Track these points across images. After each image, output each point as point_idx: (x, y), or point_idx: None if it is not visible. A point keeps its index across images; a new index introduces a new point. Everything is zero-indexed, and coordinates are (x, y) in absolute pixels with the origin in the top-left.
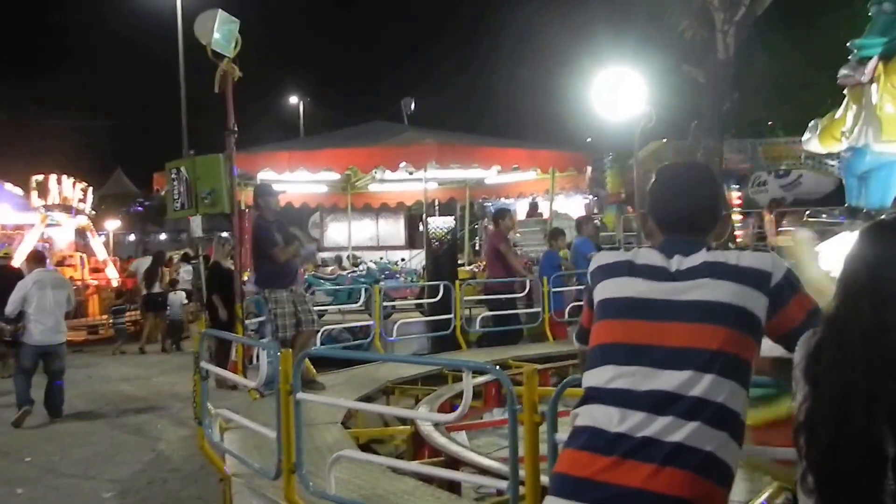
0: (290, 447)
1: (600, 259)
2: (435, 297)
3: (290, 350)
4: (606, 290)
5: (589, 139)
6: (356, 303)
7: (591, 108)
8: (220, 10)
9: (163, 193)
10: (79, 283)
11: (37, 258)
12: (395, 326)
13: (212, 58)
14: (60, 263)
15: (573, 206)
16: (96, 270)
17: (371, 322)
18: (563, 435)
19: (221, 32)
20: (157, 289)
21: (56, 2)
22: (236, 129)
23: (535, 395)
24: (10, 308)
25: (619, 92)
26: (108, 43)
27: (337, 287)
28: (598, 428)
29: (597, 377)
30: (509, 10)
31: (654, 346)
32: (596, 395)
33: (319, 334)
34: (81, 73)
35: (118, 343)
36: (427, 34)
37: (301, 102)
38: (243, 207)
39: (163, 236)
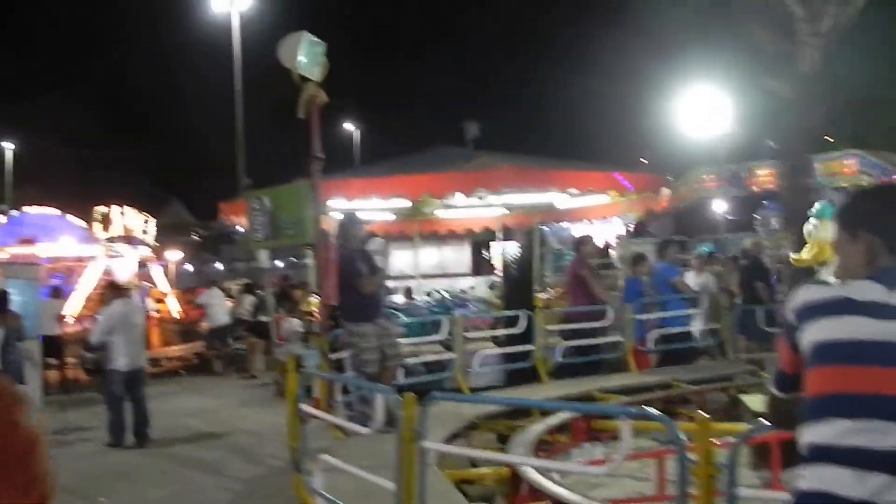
0: (412, 500)
1: (808, 295)
2: (512, 326)
3: (413, 395)
4: (823, 331)
5: (643, 159)
6: (430, 334)
7: (652, 125)
8: (305, 32)
9: (244, 225)
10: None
11: (118, 288)
12: (476, 358)
13: (297, 82)
14: (160, 300)
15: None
16: (158, 301)
17: (450, 355)
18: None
19: (307, 56)
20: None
21: (115, 35)
22: (322, 155)
23: (710, 447)
24: (97, 337)
25: (703, 109)
26: (165, 74)
27: (413, 319)
28: (831, 493)
29: (821, 433)
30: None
31: (891, 396)
32: (823, 454)
33: None
34: (139, 104)
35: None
36: (480, 58)
37: (356, 129)
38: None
39: (219, 266)
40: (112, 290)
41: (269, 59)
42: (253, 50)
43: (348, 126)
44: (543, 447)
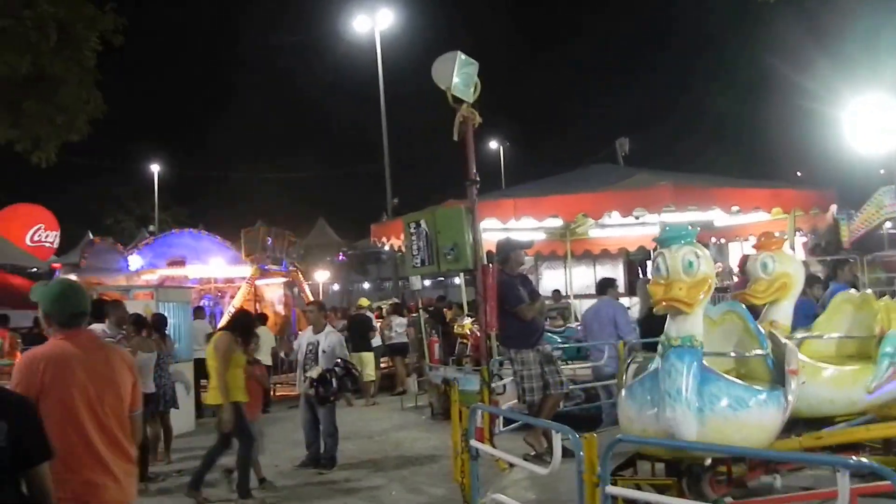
0: None
1: None
2: None
3: (594, 435)
4: None
5: (799, 173)
6: (586, 358)
7: (811, 138)
8: (459, 52)
9: (394, 245)
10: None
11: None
12: None
13: (451, 103)
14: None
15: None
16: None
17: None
18: None
19: (461, 76)
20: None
21: (259, 57)
22: (478, 178)
23: None
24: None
25: (872, 122)
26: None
27: (568, 342)
28: None
29: None
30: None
31: None
32: None
33: None
34: (285, 126)
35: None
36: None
37: (502, 146)
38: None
39: (366, 285)
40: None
41: (413, 77)
42: (397, 67)
43: (494, 144)
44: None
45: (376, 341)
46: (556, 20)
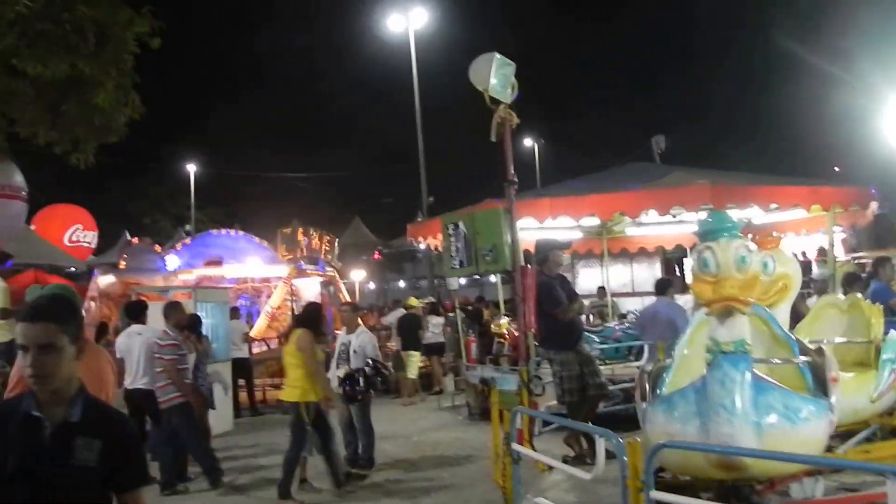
0: None
1: None
2: None
3: (636, 441)
4: None
5: (837, 168)
6: (625, 358)
7: (850, 133)
8: (496, 53)
9: (431, 245)
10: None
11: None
12: None
13: (489, 104)
14: None
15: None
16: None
17: None
18: None
19: (498, 77)
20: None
21: (294, 56)
22: (516, 179)
23: None
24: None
25: None
26: (344, 93)
27: (606, 341)
28: None
29: None
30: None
31: None
32: None
33: None
34: (318, 125)
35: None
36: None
37: (536, 143)
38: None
39: (402, 284)
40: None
41: (447, 76)
42: (431, 66)
43: (527, 141)
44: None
45: None
46: (590, 17)
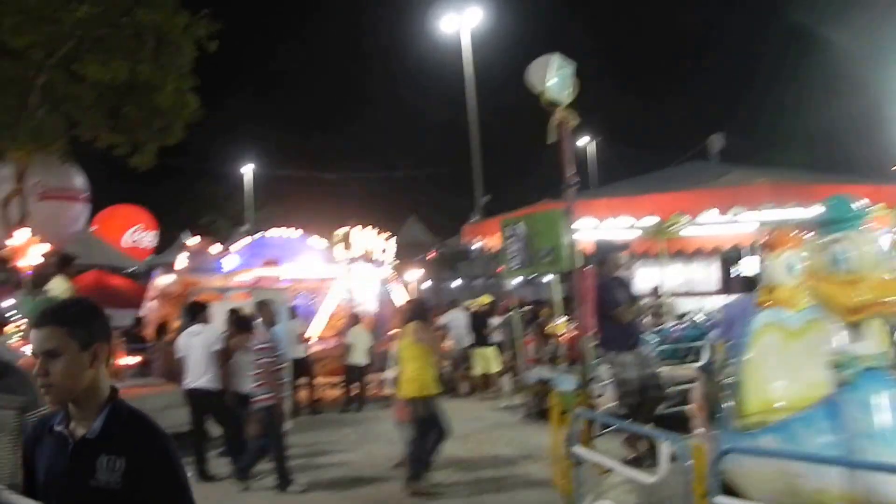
0: None
1: None
2: None
3: (703, 444)
4: None
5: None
6: (683, 360)
7: None
8: (556, 54)
9: (487, 245)
10: None
11: None
12: None
13: (545, 106)
14: None
15: None
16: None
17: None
18: None
19: (556, 78)
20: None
21: (349, 58)
22: (577, 181)
23: None
24: None
25: None
26: (399, 93)
27: (665, 344)
28: None
29: None
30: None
31: None
32: None
33: None
34: (373, 124)
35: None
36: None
37: (591, 142)
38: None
39: (457, 283)
40: None
41: (501, 75)
42: (485, 65)
43: (581, 141)
44: None
45: None
46: (644, 15)
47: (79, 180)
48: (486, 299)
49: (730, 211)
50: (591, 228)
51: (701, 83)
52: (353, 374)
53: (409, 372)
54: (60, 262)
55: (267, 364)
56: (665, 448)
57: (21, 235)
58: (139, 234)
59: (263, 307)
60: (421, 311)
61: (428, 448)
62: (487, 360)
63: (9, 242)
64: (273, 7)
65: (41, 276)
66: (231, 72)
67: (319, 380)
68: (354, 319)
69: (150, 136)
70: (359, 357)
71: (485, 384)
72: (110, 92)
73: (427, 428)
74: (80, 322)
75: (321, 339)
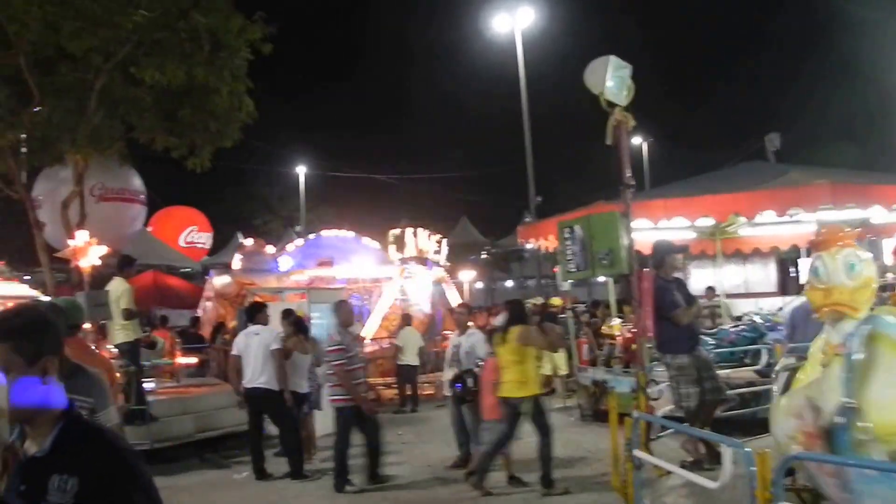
0: None
1: None
2: None
3: (767, 451)
4: None
5: None
6: (740, 361)
7: None
8: (612, 56)
9: (542, 246)
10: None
11: None
12: None
13: (605, 107)
14: None
15: None
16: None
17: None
18: None
19: (614, 80)
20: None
21: (402, 58)
22: (633, 183)
23: None
24: None
25: None
26: (451, 94)
27: (723, 346)
28: None
29: None
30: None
31: None
32: None
33: None
34: (427, 126)
35: None
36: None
37: (645, 142)
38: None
39: (509, 283)
40: None
41: (554, 76)
42: (537, 66)
43: (636, 139)
44: None
45: None
46: (698, 13)
47: (136, 182)
48: (557, 301)
49: (787, 212)
50: (646, 230)
51: (754, 82)
52: (405, 374)
53: (510, 374)
54: (121, 264)
55: (338, 367)
56: (728, 453)
57: (81, 236)
58: (194, 235)
59: (341, 307)
60: (519, 315)
61: (500, 449)
62: (556, 361)
63: (69, 243)
64: (326, 8)
65: (100, 276)
66: (285, 74)
67: (373, 380)
68: (406, 320)
69: (206, 139)
70: (410, 358)
71: (545, 384)
72: (167, 95)
73: (539, 426)
74: (25, 336)
75: (374, 339)
